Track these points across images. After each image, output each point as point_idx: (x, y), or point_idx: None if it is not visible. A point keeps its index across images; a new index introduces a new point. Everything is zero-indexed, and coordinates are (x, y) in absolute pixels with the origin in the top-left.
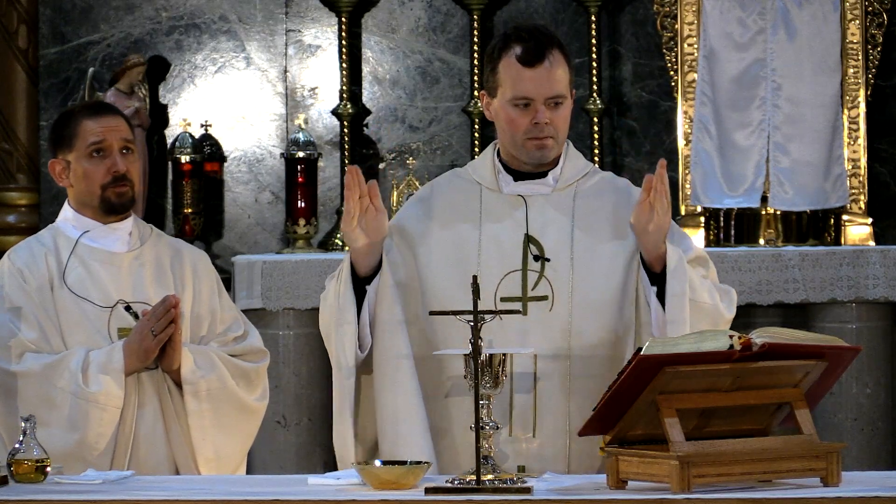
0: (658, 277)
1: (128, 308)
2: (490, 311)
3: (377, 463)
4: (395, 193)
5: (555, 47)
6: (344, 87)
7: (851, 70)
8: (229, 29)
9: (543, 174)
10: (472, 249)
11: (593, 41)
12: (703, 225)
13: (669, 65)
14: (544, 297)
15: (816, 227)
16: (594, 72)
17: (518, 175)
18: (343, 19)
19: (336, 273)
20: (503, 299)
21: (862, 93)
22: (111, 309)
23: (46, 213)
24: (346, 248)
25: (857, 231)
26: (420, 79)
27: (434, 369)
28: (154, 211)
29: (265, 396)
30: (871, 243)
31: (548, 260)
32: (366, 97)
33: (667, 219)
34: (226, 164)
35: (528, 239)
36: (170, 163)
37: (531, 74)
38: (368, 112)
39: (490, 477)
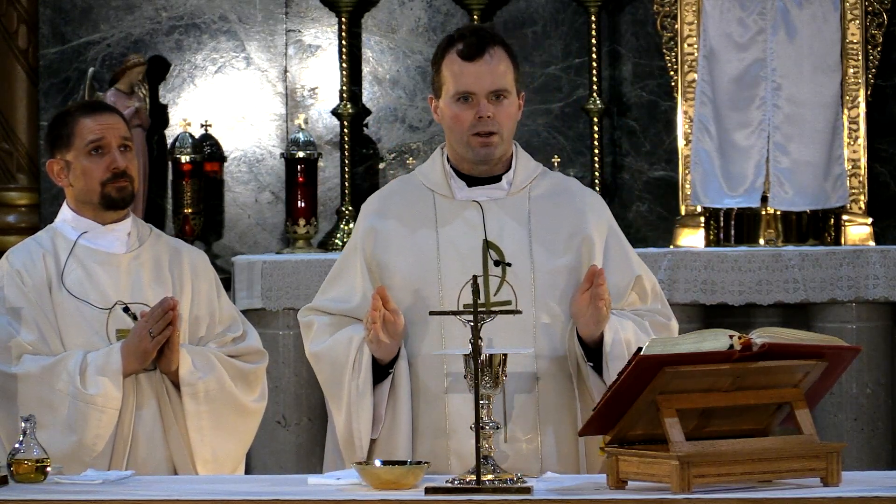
0: (594, 350)
1: (126, 309)
2: (491, 311)
3: (377, 463)
4: None
5: (497, 44)
6: (344, 87)
7: (851, 70)
8: (229, 29)
9: (496, 178)
10: (432, 257)
11: (593, 41)
12: (703, 225)
13: (669, 65)
14: (508, 302)
15: (816, 227)
16: (594, 72)
17: (471, 180)
18: (343, 19)
19: (322, 329)
20: (466, 306)
21: (862, 93)
22: (109, 310)
23: (46, 213)
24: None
25: (857, 231)
26: (420, 79)
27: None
28: (154, 211)
29: (264, 397)
30: (871, 243)
31: (509, 265)
32: (366, 97)
33: (605, 322)
34: (226, 164)
35: (487, 244)
36: (170, 163)
37: (472, 69)
38: (368, 112)
39: (490, 477)
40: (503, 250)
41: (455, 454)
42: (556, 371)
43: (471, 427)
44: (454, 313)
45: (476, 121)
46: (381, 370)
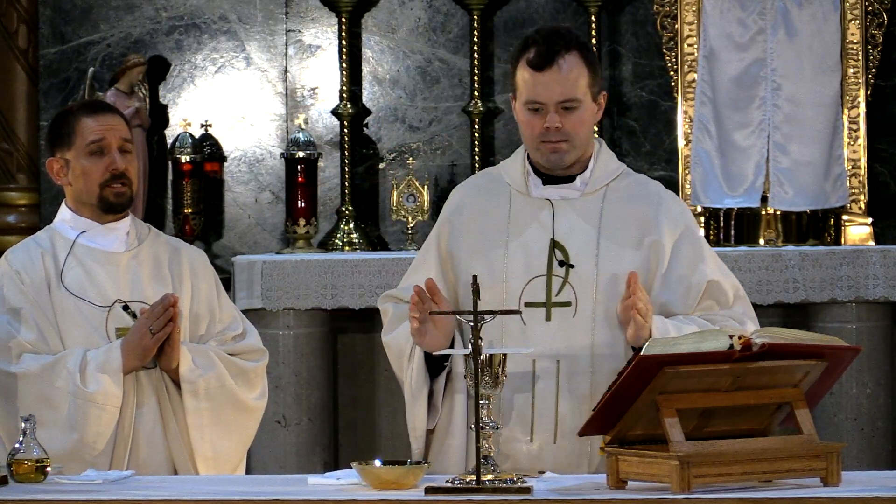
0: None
1: (125, 307)
2: (489, 311)
3: (377, 463)
4: (395, 193)
5: (572, 50)
6: (344, 87)
7: (851, 70)
8: (229, 29)
9: (572, 177)
10: (499, 254)
11: (593, 41)
12: (703, 225)
13: (669, 65)
14: (567, 304)
15: (816, 227)
16: None
17: (548, 178)
18: (343, 19)
19: (396, 317)
20: (527, 304)
21: (862, 93)
22: (109, 309)
23: (46, 213)
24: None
25: (857, 231)
26: (420, 79)
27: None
28: (154, 211)
29: (264, 395)
30: (871, 243)
31: (572, 266)
32: (366, 97)
33: (644, 330)
34: (226, 164)
35: (554, 244)
36: (170, 163)
37: (541, 79)
38: (368, 112)
39: (490, 477)
40: (570, 250)
41: (504, 454)
42: (612, 375)
43: (471, 427)
44: (454, 313)
45: (544, 130)
46: (439, 363)
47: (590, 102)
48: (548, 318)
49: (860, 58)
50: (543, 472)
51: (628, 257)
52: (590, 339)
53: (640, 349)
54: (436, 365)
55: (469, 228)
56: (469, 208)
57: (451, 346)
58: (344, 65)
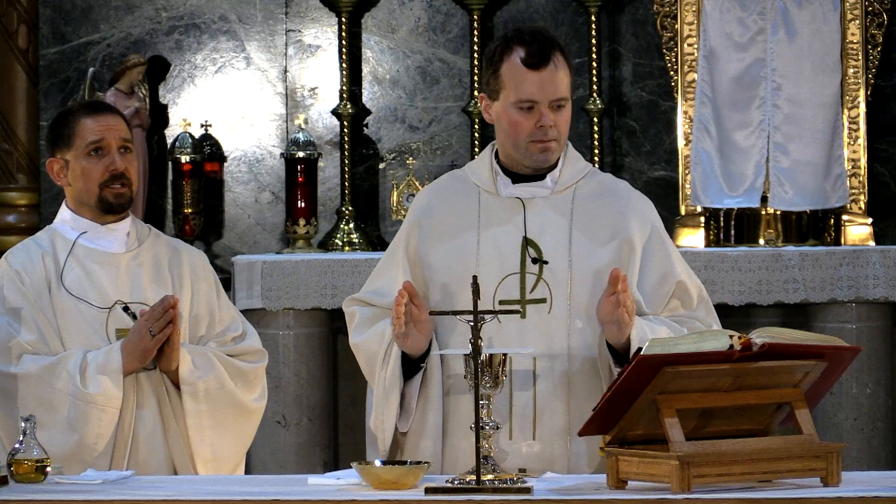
0: (624, 356)
1: (126, 309)
2: (490, 311)
3: (377, 463)
4: (395, 193)
5: (556, 49)
6: (344, 87)
7: (851, 70)
8: (229, 29)
9: (542, 176)
10: (471, 253)
11: (593, 41)
12: (703, 225)
13: (669, 65)
14: (542, 300)
15: (816, 227)
16: (594, 72)
17: (516, 177)
18: (343, 19)
19: (364, 320)
20: (502, 302)
21: (862, 93)
22: (109, 310)
23: (46, 213)
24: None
25: (857, 231)
26: (420, 79)
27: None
28: (154, 211)
29: (264, 397)
30: (871, 243)
31: (546, 262)
32: (366, 97)
33: (628, 328)
34: (226, 164)
35: (527, 242)
36: (170, 163)
37: (536, 77)
38: (368, 112)
39: (490, 477)
40: (542, 248)
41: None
42: (590, 371)
43: (470, 427)
44: (453, 313)
45: (536, 129)
46: (414, 365)
47: (570, 101)
48: (523, 316)
49: (860, 58)
50: (524, 471)
51: (601, 253)
52: (566, 334)
53: (622, 349)
54: (411, 368)
55: (438, 230)
56: (437, 210)
57: (429, 348)
58: (344, 65)
